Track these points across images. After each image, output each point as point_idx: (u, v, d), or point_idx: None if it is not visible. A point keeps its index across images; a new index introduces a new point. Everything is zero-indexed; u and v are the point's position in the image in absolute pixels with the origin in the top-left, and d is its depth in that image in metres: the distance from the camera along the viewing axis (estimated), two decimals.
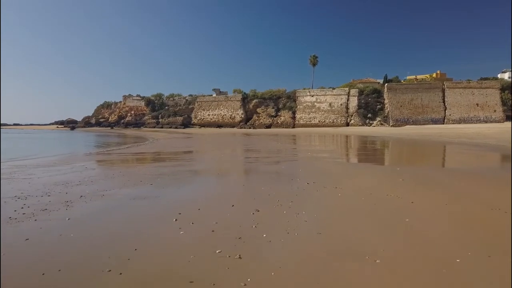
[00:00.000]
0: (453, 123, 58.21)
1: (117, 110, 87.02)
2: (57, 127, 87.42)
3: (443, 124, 58.81)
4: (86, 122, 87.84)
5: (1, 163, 10.12)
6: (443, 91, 61.83)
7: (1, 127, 69.47)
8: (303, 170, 7.87)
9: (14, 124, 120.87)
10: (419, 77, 73.75)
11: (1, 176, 7.45)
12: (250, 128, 65.03)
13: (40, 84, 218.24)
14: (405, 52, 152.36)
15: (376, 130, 45.71)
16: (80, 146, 24.38)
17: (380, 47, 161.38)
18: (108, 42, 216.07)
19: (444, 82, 63.03)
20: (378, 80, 72.75)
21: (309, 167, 8.61)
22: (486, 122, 58.21)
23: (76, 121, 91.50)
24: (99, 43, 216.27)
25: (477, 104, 61.10)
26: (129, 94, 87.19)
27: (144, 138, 35.91)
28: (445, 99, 61.36)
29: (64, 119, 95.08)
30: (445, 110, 61.04)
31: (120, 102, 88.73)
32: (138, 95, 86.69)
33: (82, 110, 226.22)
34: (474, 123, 57.60)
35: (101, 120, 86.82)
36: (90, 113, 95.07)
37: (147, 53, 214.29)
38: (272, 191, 5.31)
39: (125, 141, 31.63)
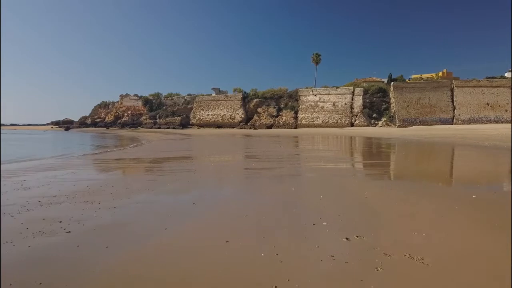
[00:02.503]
0: (462, 124, 55.62)
1: (114, 110, 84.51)
2: (52, 127, 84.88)
3: (452, 124, 56.14)
4: (82, 123, 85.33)
5: None
6: (452, 90, 59.13)
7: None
8: (324, 198, 5.13)
9: (11, 124, 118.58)
10: (424, 76, 71.15)
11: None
12: (250, 128, 62.36)
13: (39, 83, 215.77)
14: (407, 52, 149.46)
15: (384, 131, 42.90)
16: (59, 149, 21.71)
17: (381, 46, 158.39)
18: (107, 40, 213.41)
19: (453, 81, 60.33)
20: (382, 79, 70.16)
21: (331, 189, 5.85)
22: (497, 122, 55.56)
23: (73, 121, 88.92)
24: (98, 42, 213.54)
25: (488, 104, 58.40)
26: (126, 94, 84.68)
27: (136, 140, 33.35)
28: (454, 99, 58.65)
29: (61, 119, 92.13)
30: (454, 110, 58.35)
31: (118, 102, 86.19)
32: (135, 95, 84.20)
33: (81, 110, 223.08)
34: (485, 123, 55.04)
35: (97, 120, 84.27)
36: (88, 113, 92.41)
37: (146, 52, 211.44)
38: (281, 270, 2.58)
39: (114, 143, 28.97)
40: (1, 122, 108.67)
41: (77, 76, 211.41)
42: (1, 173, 9.16)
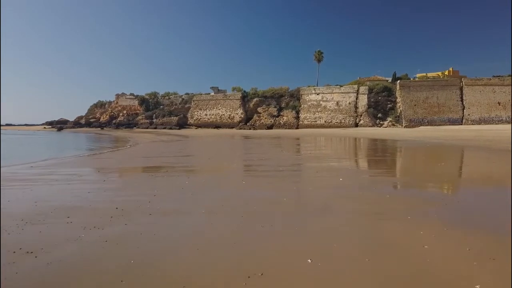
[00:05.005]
0: (472, 124, 52.85)
1: (109, 109, 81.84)
2: (44, 127, 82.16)
3: (461, 125, 53.43)
4: (76, 123, 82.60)
5: None
6: (461, 89, 56.35)
7: None
8: None
9: (7, 124, 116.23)
10: (430, 74, 68.27)
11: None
12: (250, 129, 59.56)
13: (39, 83, 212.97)
14: (408, 51, 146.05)
15: (392, 132, 39.99)
16: (28, 153, 18.99)
17: (382, 45, 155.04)
18: (106, 40, 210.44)
19: (462, 79, 57.52)
20: (386, 78, 67.42)
21: (391, 268, 2.91)
22: (508, 123, 52.72)
23: (67, 121, 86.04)
24: (99, 41, 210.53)
25: (499, 103, 55.59)
26: (122, 93, 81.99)
27: (123, 142, 30.71)
28: (463, 98, 55.91)
29: (56, 120, 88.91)
30: (463, 110, 55.61)
31: (114, 101, 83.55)
32: (131, 94, 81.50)
33: (81, 110, 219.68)
34: (496, 123, 52.37)
35: (92, 120, 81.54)
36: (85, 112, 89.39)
37: (145, 50, 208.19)
38: None
39: (97, 146, 26.23)
40: None
41: (77, 75, 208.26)
42: None
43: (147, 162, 12.58)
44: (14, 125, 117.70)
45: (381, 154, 15.88)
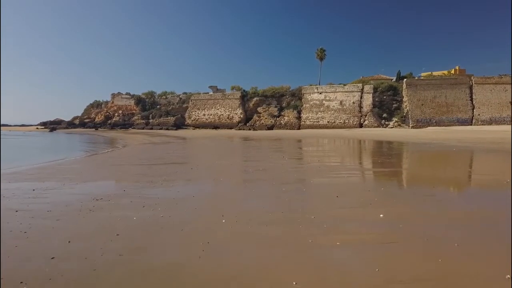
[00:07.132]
0: (482, 124, 50.33)
1: (105, 109, 79.30)
2: (37, 128, 79.68)
3: (471, 125, 50.94)
4: (70, 123, 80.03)
5: None
6: (471, 87, 53.78)
7: None
8: None
9: (3, 125, 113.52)
10: (435, 73, 65.66)
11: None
12: (250, 129, 56.91)
13: (41, 83, 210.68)
14: (411, 50, 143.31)
15: (402, 133, 37.24)
16: None
17: (385, 45, 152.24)
18: (107, 40, 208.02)
19: (472, 77, 54.93)
20: (390, 77, 64.85)
21: None
22: None
23: (62, 121, 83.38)
24: (99, 41, 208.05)
25: (511, 103, 52.95)
26: (118, 92, 79.51)
27: (111, 144, 28.25)
28: (473, 97, 53.36)
29: (52, 120, 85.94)
30: (473, 110, 53.08)
31: (110, 101, 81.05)
32: (127, 93, 78.93)
33: (81, 110, 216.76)
34: (508, 124, 49.72)
35: (86, 120, 78.98)
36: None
37: (143, 49, 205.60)
38: None
39: (78, 148, 23.61)
40: None
41: (76, 75, 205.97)
42: None
43: (111, 175, 9.94)
44: (10, 125, 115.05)
45: (410, 162, 13.07)
